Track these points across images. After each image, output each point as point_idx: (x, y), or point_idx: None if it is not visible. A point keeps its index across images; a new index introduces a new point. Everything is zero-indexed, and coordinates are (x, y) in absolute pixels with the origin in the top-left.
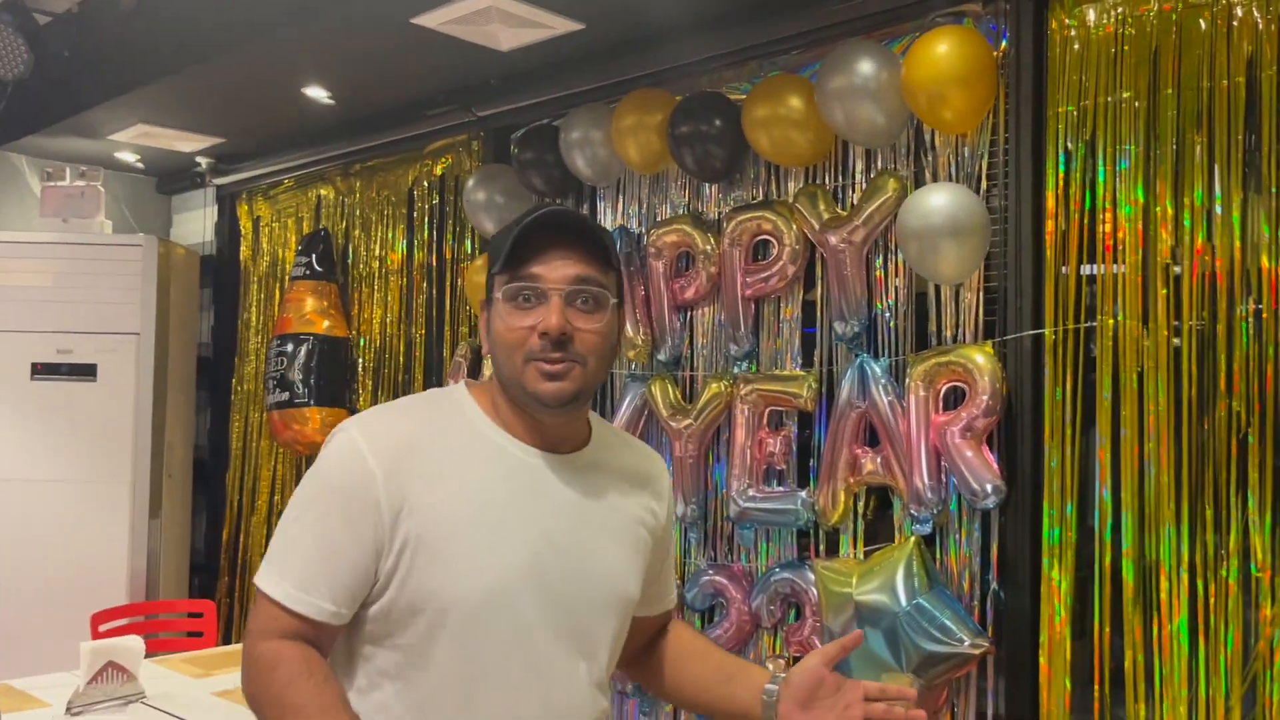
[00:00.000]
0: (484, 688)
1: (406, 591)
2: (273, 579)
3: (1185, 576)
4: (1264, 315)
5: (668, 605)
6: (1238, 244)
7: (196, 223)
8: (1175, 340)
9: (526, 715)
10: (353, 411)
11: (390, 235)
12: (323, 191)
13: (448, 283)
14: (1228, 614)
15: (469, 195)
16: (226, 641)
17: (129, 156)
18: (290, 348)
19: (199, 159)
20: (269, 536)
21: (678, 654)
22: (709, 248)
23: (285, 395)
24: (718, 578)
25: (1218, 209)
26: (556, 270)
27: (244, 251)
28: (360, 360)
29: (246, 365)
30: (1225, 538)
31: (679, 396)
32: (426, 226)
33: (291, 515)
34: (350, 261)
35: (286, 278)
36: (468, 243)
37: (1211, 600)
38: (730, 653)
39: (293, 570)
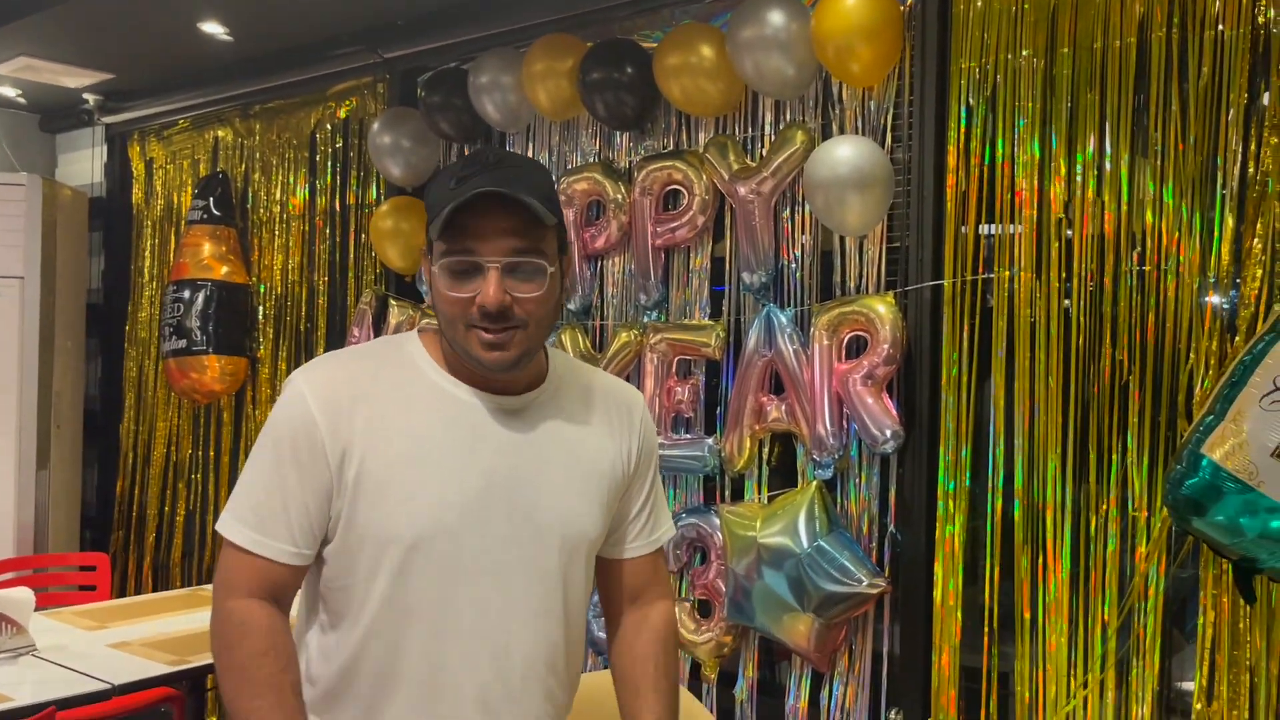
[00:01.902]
0: (427, 624)
1: (353, 530)
2: (235, 526)
3: (1069, 518)
4: (1147, 269)
5: (648, 547)
6: (1125, 201)
7: (84, 163)
8: (1067, 301)
9: (468, 654)
10: (253, 360)
11: (292, 179)
12: (220, 133)
13: (352, 229)
14: (1106, 552)
15: (374, 139)
16: (122, 594)
17: (10, 91)
18: (187, 294)
19: (86, 96)
20: (168, 488)
21: (624, 672)
22: (620, 197)
23: (182, 343)
24: None
25: (1107, 166)
26: (492, 243)
27: (136, 194)
28: (261, 308)
29: (140, 312)
30: (1106, 480)
31: (589, 345)
32: (330, 171)
33: (250, 465)
34: (250, 206)
35: (182, 222)
36: (373, 188)
37: (1093, 539)
38: (664, 696)
39: (253, 516)
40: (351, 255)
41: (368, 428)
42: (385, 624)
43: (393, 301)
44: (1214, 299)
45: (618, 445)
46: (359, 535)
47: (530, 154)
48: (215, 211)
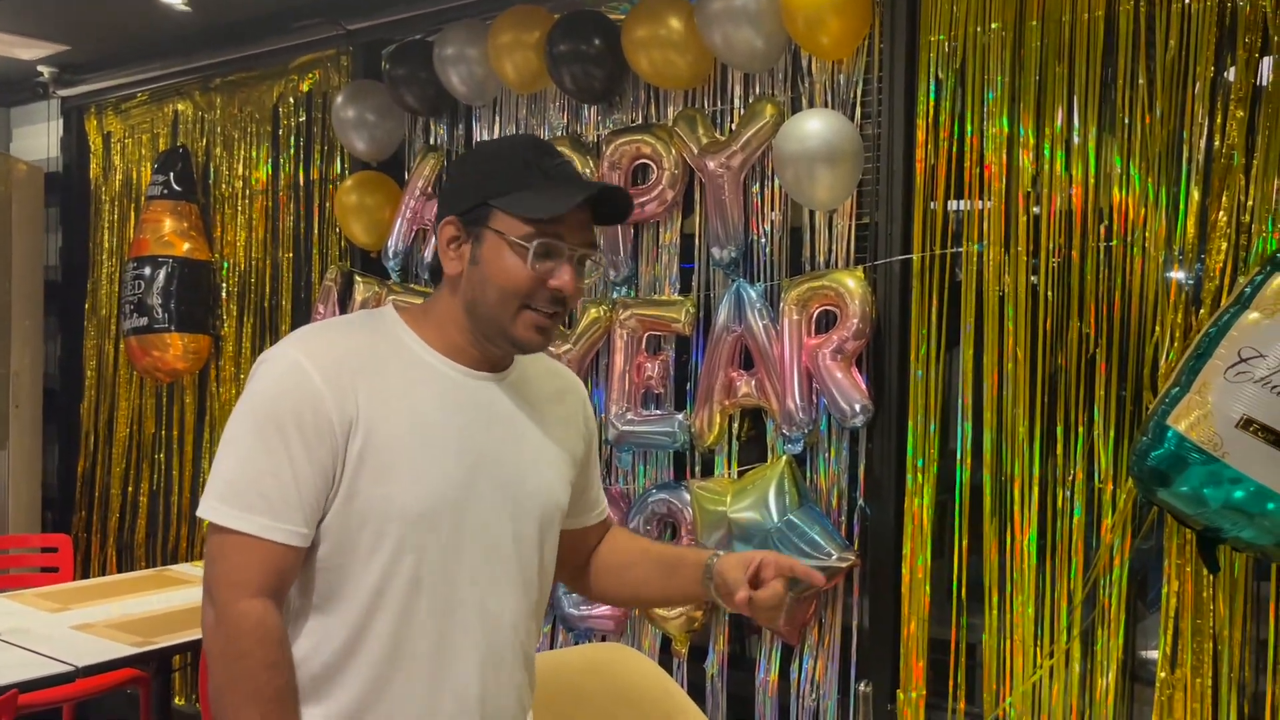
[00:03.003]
0: (427, 599)
1: (353, 506)
2: (239, 513)
3: (1036, 490)
4: (1114, 243)
5: (600, 515)
6: (1092, 175)
7: (39, 138)
8: (1034, 278)
9: (467, 625)
10: (217, 338)
11: (254, 154)
12: (180, 106)
13: (316, 204)
14: (1073, 524)
15: (338, 113)
16: (85, 576)
17: None
18: (148, 271)
19: (41, 68)
20: (131, 468)
21: (620, 562)
22: (588, 171)
23: (143, 320)
24: None
25: (1075, 139)
26: (577, 234)
27: (94, 169)
28: (224, 285)
29: (100, 289)
30: (1073, 452)
31: None
32: (293, 145)
33: (239, 445)
34: (211, 181)
35: (142, 197)
36: (337, 162)
37: (1059, 512)
38: (663, 543)
39: (260, 500)
40: (316, 231)
41: (370, 402)
42: (391, 600)
43: (358, 278)
44: (1179, 273)
45: (575, 424)
46: (360, 512)
47: (497, 128)
48: (176, 187)
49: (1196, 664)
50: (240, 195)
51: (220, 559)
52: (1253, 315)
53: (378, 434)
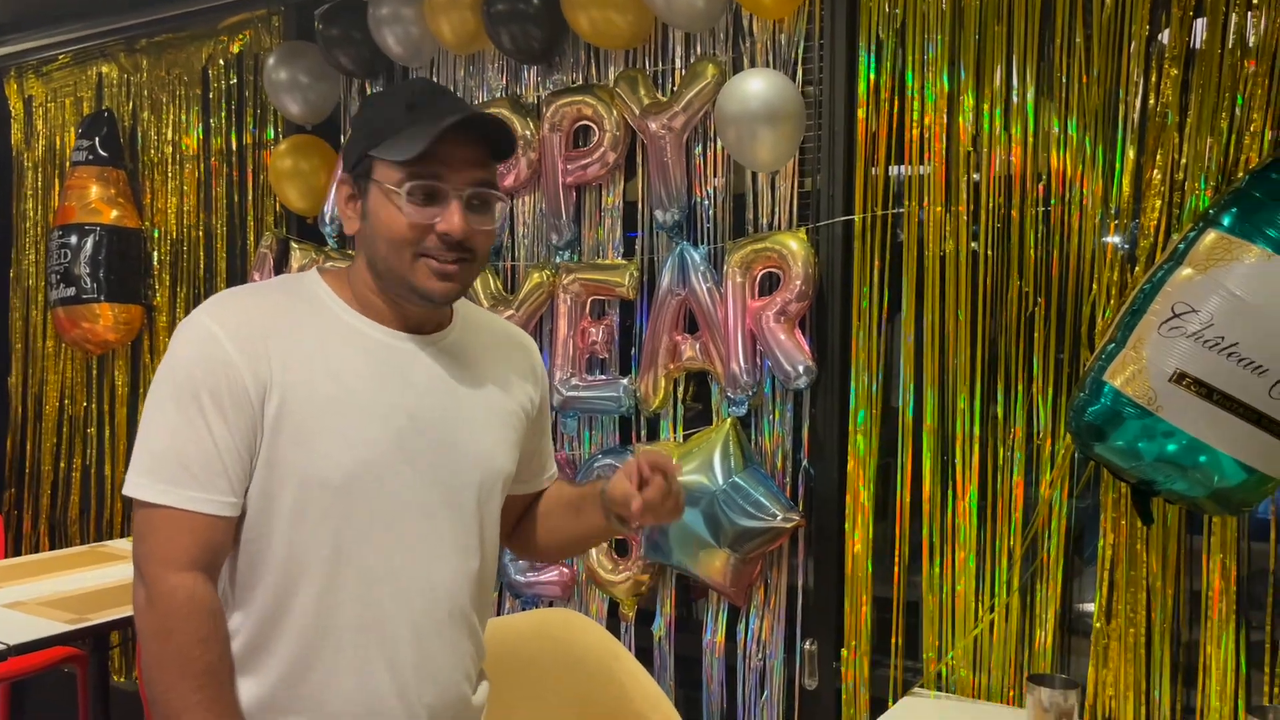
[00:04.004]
0: (353, 568)
1: (274, 473)
2: (164, 487)
3: (977, 448)
4: (1053, 202)
5: (549, 481)
6: (1031, 135)
7: None
8: (974, 245)
9: (398, 594)
10: (149, 308)
11: (184, 118)
12: (104, 69)
13: (250, 170)
14: (1012, 480)
15: (270, 75)
16: (17, 554)
17: None
18: (74, 239)
19: None
20: (62, 443)
21: (542, 513)
22: (528, 133)
23: (71, 291)
24: None
25: (1014, 99)
26: (459, 172)
27: (15, 135)
28: (155, 253)
29: (25, 259)
30: (1013, 410)
31: (500, 287)
32: (224, 109)
33: (158, 418)
34: (139, 146)
35: (66, 163)
36: (270, 127)
37: (999, 469)
38: (571, 484)
39: (184, 473)
40: (250, 197)
41: (285, 365)
42: (313, 570)
43: (294, 245)
44: (1116, 236)
45: (522, 386)
46: (281, 479)
47: None
48: (102, 152)
49: (1130, 615)
50: (170, 161)
51: (149, 535)
52: (1186, 271)
53: (294, 398)
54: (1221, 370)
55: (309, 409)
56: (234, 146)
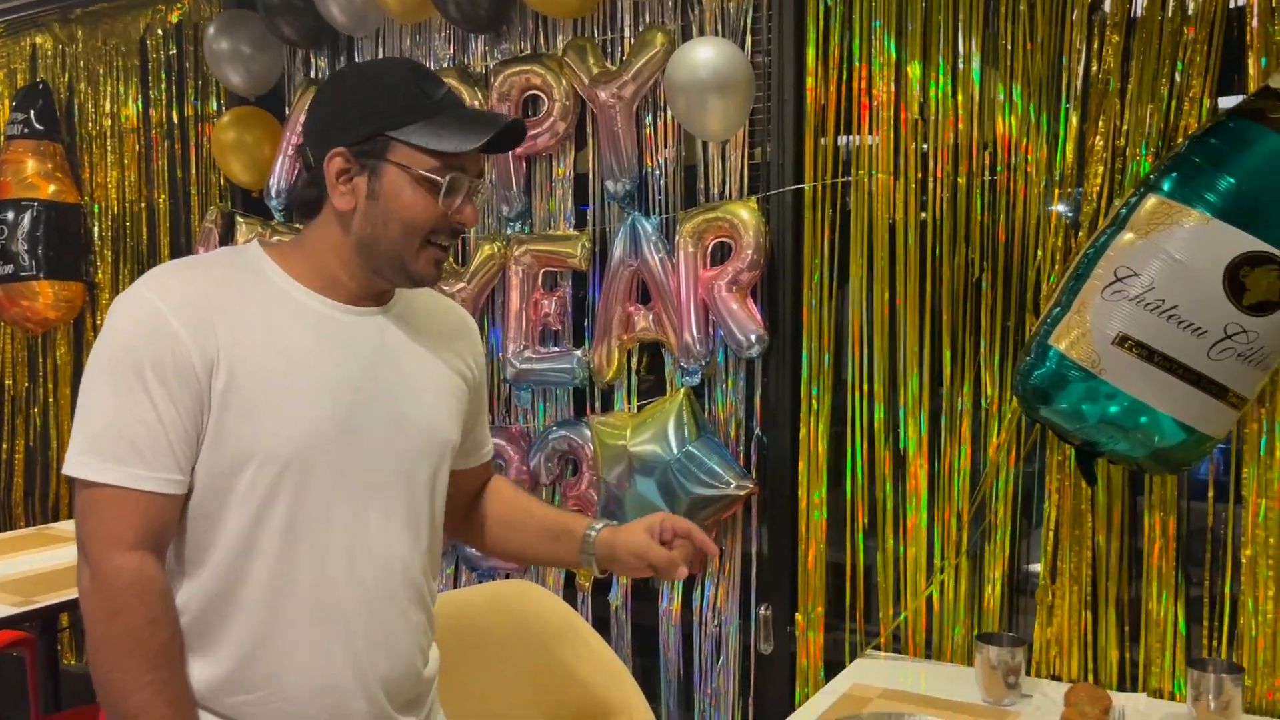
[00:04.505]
0: (307, 543)
1: (223, 449)
2: (107, 465)
3: (927, 414)
4: (999, 169)
5: (486, 456)
6: (977, 103)
7: None
8: (923, 214)
9: (353, 568)
10: (91, 285)
11: (122, 90)
12: (38, 40)
13: (192, 143)
14: (961, 444)
15: (210, 45)
16: None
17: None
18: (11, 215)
19: None
20: (4, 424)
21: (503, 519)
22: (477, 103)
23: (9, 268)
24: (496, 439)
25: (960, 66)
26: (474, 165)
27: None
28: (96, 229)
29: None
30: (960, 376)
31: (451, 260)
32: (164, 80)
33: (97, 394)
34: (76, 119)
35: (1, 137)
36: (213, 99)
37: (948, 433)
38: (549, 506)
39: (128, 450)
40: (193, 171)
41: (232, 339)
42: (266, 546)
43: (240, 219)
44: (1060, 198)
45: (463, 361)
46: (230, 455)
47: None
48: (37, 125)
49: (1075, 574)
50: (109, 134)
51: (92, 514)
52: (1128, 236)
53: (242, 373)
54: (1162, 332)
55: (257, 384)
56: (175, 119)
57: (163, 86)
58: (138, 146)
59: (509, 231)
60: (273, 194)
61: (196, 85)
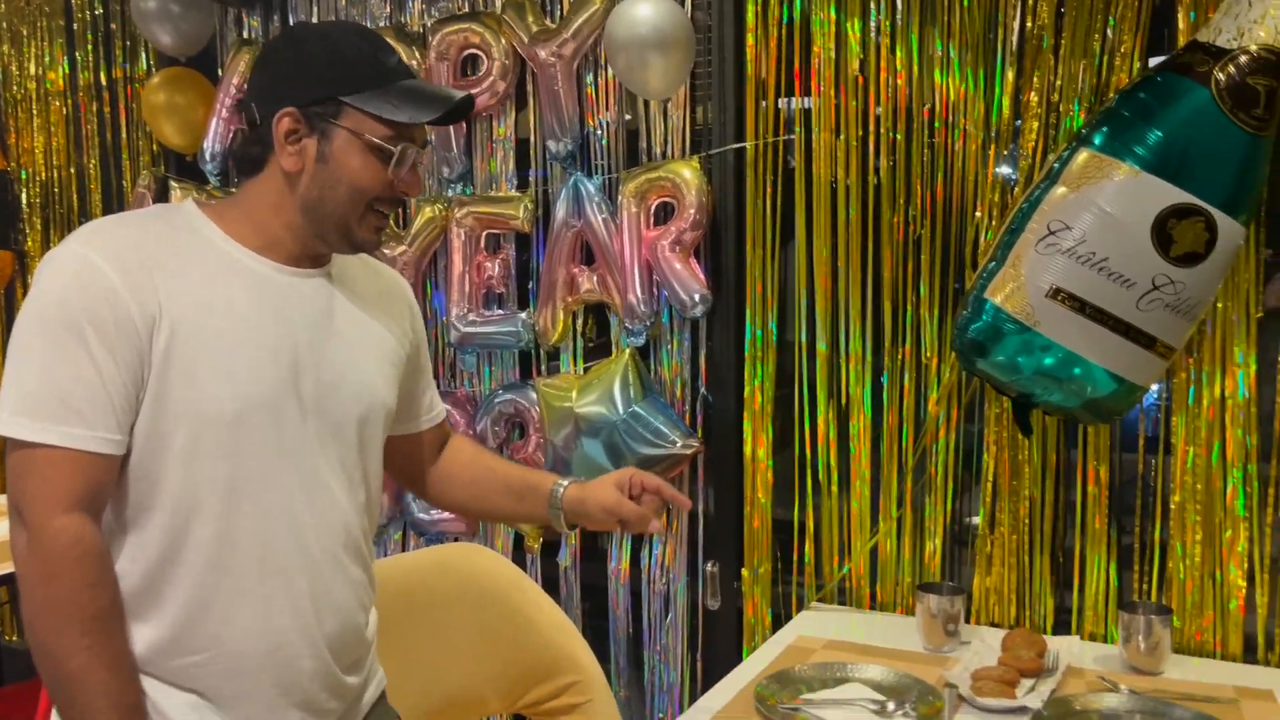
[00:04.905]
0: (249, 504)
1: (164, 409)
2: (43, 425)
3: (869, 371)
4: (936, 125)
5: (438, 417)
6: (916, 59)
7: None
8: (877, 178)
9: (295, 527)
10: (20, 254)
11: (47, 51)
12: None
13: (122, 105)
14: (902, 401)
15: (138, 4)
16: None
17: None
18: None
19: None
20: None
21: (467, 478)
22: (414, 63)
23: None
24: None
25: (899, 22)
26: (420, 135)
27: None
28: (24, 195)
29: None
30: (901, 332)
31: (392, 223)
32: (91, 41)
33: (31, 353)
34: (0, 83)
35: None
36: (142, 59)
37: (890, 389)
38: (513, 464)
39: (63, 409)
40: (124, 134)
41: (171, 296)
42: (208, 507)
43: (173, 183)
44: (997, 154)
45: (399, 325)
46: (172, 415)
47: (315, 19)
48: None
49: (1013, 523)
50: (35, 97)
51: (27, 476)
52: (1060, 190)
53: (184, 331)
54: (1094, 285)
55: (199, 344)
56: (103, 81)
57: (89, 47)
58: (65, 110)
59: (450, 194)
60: (207, 157)
61: (125, 46)
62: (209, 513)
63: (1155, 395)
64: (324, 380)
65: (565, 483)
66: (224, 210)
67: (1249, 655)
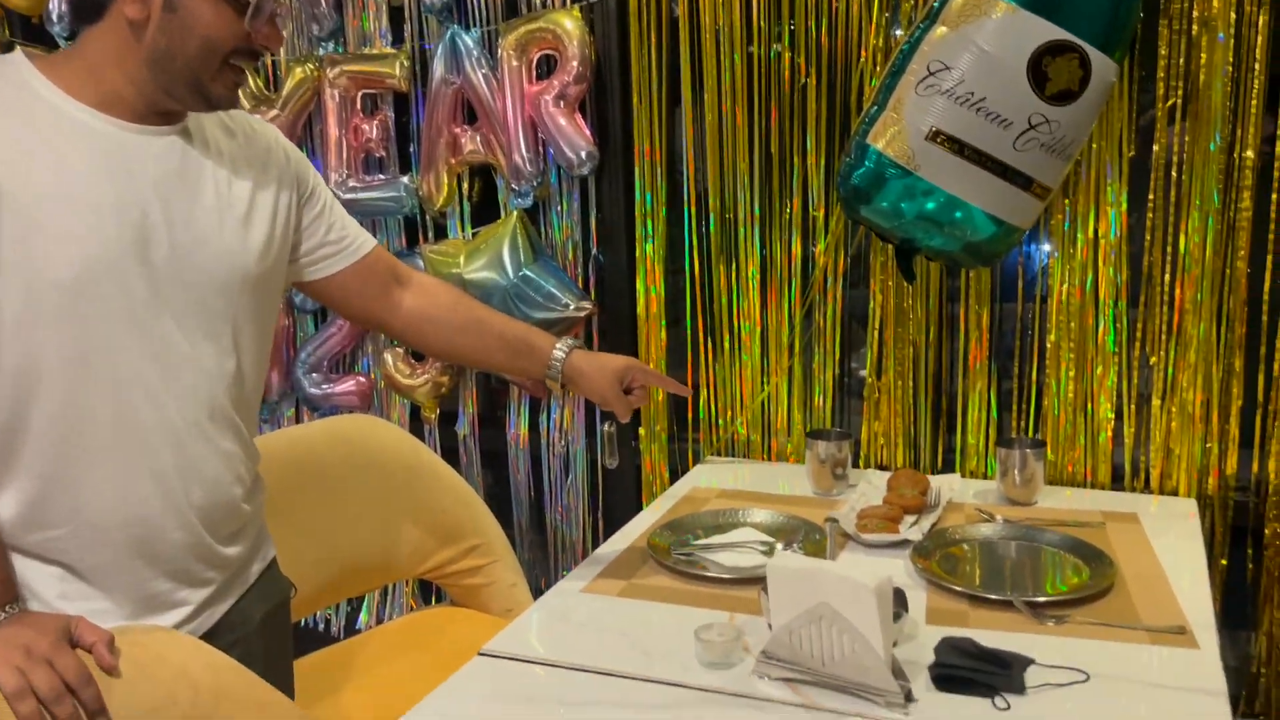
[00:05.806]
0: (98, 374)
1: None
2: None
3: (758, 225)
4: None
5: (363, 249)
6: None
7: None
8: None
9: (153, 399)
10: None
11: None
12: None
13: None
14: (791, 252)
15: None
16: None
17: None
18: None
19: None
20: None
21: (451, 323)
22: None
23: None
24: None
25: None
26: None
27: None
28: None
29: None
30: (789, 183)
31: (260, 85)
32: None
33: None
34: None
35: None
36: None
37: (778, 241)
38: (504, 316)
39: None
40: None
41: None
42: (55, 378)
43: (21, 49)
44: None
45: (273, 175)
46: (7, 282)
47: None
48: None
49: (899, 370)
50: None
51: None
52: (940, 29)
53: (13, 193)
54: (973, 126)
55: (30, 205)
56: None
57: None
58: None
59: (321, 53)
60: (54, 19)
61: None
62: (54, 382)
63: (1034, 241)
64: (179, 244)
65: (564, 351)
66: (58, 63)
67: (1116, 483)
